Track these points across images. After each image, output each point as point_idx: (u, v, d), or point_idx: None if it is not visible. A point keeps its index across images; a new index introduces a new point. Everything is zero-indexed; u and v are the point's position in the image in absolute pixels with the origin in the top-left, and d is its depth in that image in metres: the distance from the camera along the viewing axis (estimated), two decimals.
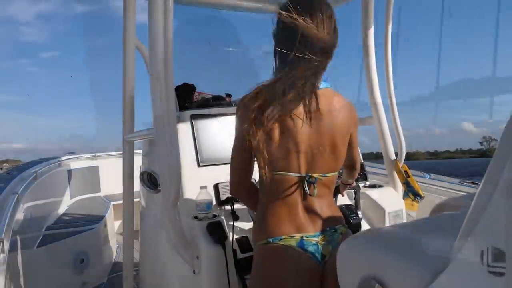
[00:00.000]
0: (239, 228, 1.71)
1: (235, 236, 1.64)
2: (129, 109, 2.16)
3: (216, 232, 1.51)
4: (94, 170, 4.79)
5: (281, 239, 1.18)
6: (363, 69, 2.25)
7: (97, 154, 4.97)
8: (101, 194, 4.74)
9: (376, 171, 3.04)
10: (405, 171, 2.19)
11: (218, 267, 1.47)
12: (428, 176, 2.93)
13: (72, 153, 4.93)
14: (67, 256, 3.03)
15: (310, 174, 1.21)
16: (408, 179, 2.17)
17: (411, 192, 2.14)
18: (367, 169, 2.36)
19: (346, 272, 0.82)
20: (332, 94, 1.23)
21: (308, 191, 1.21)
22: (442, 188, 2.74)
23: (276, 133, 1.18)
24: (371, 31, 2.10)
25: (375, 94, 2.21)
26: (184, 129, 1.79)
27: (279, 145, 1.18)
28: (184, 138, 1.78)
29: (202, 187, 1.62)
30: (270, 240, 1.19)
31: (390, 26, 2.09)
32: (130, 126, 2.17)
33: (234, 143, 1.28)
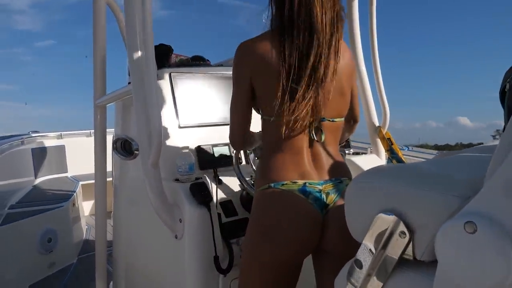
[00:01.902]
0: (223, 192, 1.62)
1: (219, 201, 1.55)
2: (100, 71, 2.00)
3: (200, 193, 1.41)
4: (60, 149, 4.53)
5: (283, 184, 1.12)
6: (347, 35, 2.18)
7: (63, 132, 4.71)
8: (68, 174, 4.51)
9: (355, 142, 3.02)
10: (389, 138, 2.16)
11: (203, 230, 1.38)
12: (407, 148, 2.94)
13: (36, 131, 4.64)
14: (33, 235, 2.85)
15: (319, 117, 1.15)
16: (392, 146, 2.14)
17: (395, 159, 2.11)
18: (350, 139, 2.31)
19: (355, 209, 0.75)
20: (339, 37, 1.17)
21: (315, 137, 1.15)
22: (422, 159, 2.75)
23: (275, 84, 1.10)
24: None
25: (358, 59, 2.14)
26: (163, 88, 1.66)
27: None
28: (163, 98, 1.65)
29: (182, 147, 1.52)
30: (272, 185, 1.13)
31: None
32: (101, 89, 2.01)
33: (234, 93, 1.21)
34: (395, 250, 0.68)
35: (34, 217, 2.88)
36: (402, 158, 2.14)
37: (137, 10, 1.35)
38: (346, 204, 0.77)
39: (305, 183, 1.13)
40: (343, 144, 1.62)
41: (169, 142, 1.60)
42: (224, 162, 1.67)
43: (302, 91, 1.10)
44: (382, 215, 0.68)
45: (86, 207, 4.41)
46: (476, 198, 0.55)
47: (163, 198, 1.40)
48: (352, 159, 2.09)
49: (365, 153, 2.22)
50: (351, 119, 1.44)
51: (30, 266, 2.79)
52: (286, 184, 1.12)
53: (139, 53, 1.38)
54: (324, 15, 1.10)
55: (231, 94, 1.22)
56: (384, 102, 2.17)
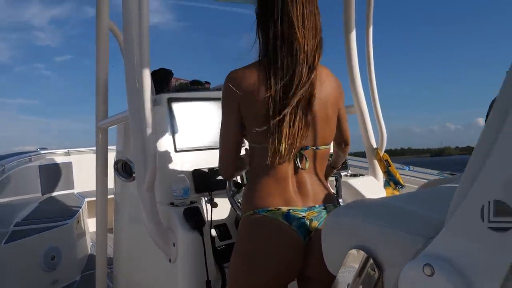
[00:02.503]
0: (218, 216, 1.64)
1: (214, 224, 1.58)
2: (102, 95, 2.07)
3: (193, 218, 1.44)
4: (68, 166, 4.60)
5: (268, 210, 1.15)
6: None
7: (70, 149, 4.79)
8: (75, 191, 4.57)
9: (356, 163, 3.03)
10: (386, 160, 2.17)
11: (195, 254, 1.40)
12: (408, 168, 2.94)
13: (44, 148, 4.73)
14: (37, 253, 2.89)
15: (303, 146, 1.19)
16: (389, 168, 2.15)
17: (392, 181, 2.12)
18: (348, 161, 2.33)
19: (331, 243, 0.77)
20: (320, 66, 1.21)
21: (299, 164, 1.18)
22: (422, 180, 2.74)
23: (262, 109, 1.14)
24: (353, 14, 2.06)
25: (356, 82, 2.17)
26: (160, 113, 1.70)
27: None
28: (161, 122, 1.70)
29: (178, 171, 1.55)
30: (257, 211, 1.16)
31: (372, 9, 2.06)
32: (103, 112, 2.07)
33: (224, 122, 1.23)
34: (366, 286, 0.69)
35: (38, 235, 2.92)
36: (400, 179, 2.15)
37: (135, 37, 1.41)
38: (322, 237, 0.80)
39: (289, 209, 1.15)
40: (339, 167, 1.64)
41: (165, 166, 1.64)
42: (219, 185, 1.69)
43: (287, 120, 1.13)
44: (353, 251, 0.70)
45: (91, 223, 4.44)
46: (436, 239, 0.57)
47: (157, 222, 1.43)
48: (349, 181, 2.10)
49: (362, 175, 2.23)
50: (342, 143, 1.47)
51: (33, 283, 2.82)
52: (270, 210, 1.15)
53: (136, 80, 1.43)
54: (306, 46, 1.13)
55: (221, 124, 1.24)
56: (381, 125, 2.19)
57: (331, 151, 1.50)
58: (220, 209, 1.66)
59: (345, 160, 2.22)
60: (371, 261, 0.68)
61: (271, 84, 1.13)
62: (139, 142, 1.41)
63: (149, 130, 1.38)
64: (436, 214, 0.69)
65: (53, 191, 4.34)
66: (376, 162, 2.20)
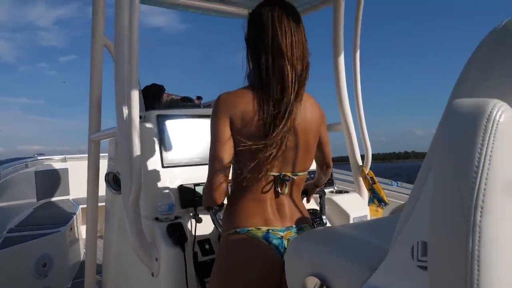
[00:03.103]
0: (202, 231, 1.69)
1: (197, 239, 1.62)
2: (95, 108, 2.12)
3: (176, 234, 1.48)
4: (64, 172, 4.66)
5: (248, 230, 1.20)
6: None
7: (67, 156, 4.84)
8: (70, 197, 4.61)
9: (343, 177, 3.07)
10: (371, 178, 2.22)
11: (177, 270, 1.45)
12: (396, 184, 2.98)
13: (41, 154, 4.78)
14: (29, 260, 2.92)
15: (283, 173, 1.24)
16: (374, 185, 2.20)
17: (376, 198, 2.17)
18: (335, 175, 2.38)
19: (292, 270, 0.82)
20: (306, 95, 1.27)
21: (279, 189, 1.25)
22: (408, 195, 2.79)
23: (255, 132, 1.19)
24: (341, 35, 2.13)
25: (343, 100, 2.24)
26: (149, 129, 1.76)
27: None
28: (149, 138, 1.75)
29: (164, 187, 1.60)
30: (238, 230, 1.21)
31: (359, 27, 2.12)
32: (96, 125, 2.13)
33: (216, 143, 1.21)
34: None
35: (30, 242, 2.96)
36: (384, 197, 2.20)
37: (125, 54, 1.46)
38: (285, 262, 0.85)
39: (268, 229, 1.21)
40: (322, 185, 1.69)
41: (152, 181, 1.69)
42: None
43: (271, 146, 1.18)
44: (310, 277, 0.75)
45: (81, 230, 4.49)
46: (375, 273, 0.62)
47: (141, 236, 1.48)
48: (333, 198, 2.15)
49: (348, 192, 2.28)
50: (324, 165, 1.52)
51: None
52: (250, 230, 1.20)
53: (125, 97, 1.48)
54: (294, 73, 1.19)
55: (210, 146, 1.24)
56: (366, 143, 2.24)
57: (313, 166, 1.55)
58: (204, 225, 1.70)
59: (331, 176, 2.27)
60: None
61: (263, 110, 1.18)
62: (126, 158, 1.47)
63: (135, 147, 1.44)
64: (386, 244, 0.74)
65: (48, 197, 4.39)
66: (361, 179, 2.26)
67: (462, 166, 0.44)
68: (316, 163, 1.54)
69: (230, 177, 1.33)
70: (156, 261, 1.48)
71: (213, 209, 1.52)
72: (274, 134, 1.16)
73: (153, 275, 1.50)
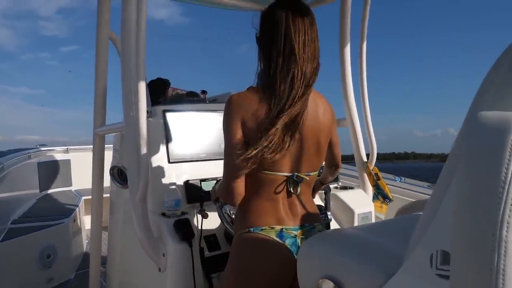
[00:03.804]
0: (208, 226, 1.70)
1: (204, 234, 1.63)
2: (100, 102, 2.12)
3: (182, 229, 1.49)
4: (66, 164, 4.66)
5: (262, 229, 1.20)
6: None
7: (69, 147, 4.84)
8: (72, 188, 4.62)
9: (347, 172, 3.08)
10: (376, 174, 2.23)
11: (184, 265, 1.45)
12: (399, 180, 2.99)
13: (43, 145, 4.78)
14: (33, 251, 2.94)
15: (296, 174, 1.24)
16: (378, 181, 2.20)
17: (380, 195, 2.17)
18: (340, 170, 2.38)
19: (305, 271, 0.82)
20: (314, 94, 1.26)
21: (292, 189, 1.25)
22: (412, 192, 2.79)
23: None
24: (347, 30, 2.11)
25: (349, 96, 2.23)
26: (155, 125, 1.76)
27: None
28: (155, 134, 1.75)
29: (170, 182, 1.60)
30: (251, 229, 1.21)
31: (366, 24, 2.10)
32: (101, 119, 2.12)
33: (230, 142, 1.20)
34: None
35: (34, 233, 2.97)
36: (388, 193, 2.20)
37: (132, 49, 1.45)
38: (297, 266, 0.85)
39: (282, 228, 1.21)
40: (328, 183, 1.69)
41: (158, 176, 1.69)
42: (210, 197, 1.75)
43: (282, 145, 1.18)
44: (324, 280, 0.76)
45: (88, 221, 4.49)
46: (392, 279, 0.62)
47: (148, 231, 1.49)
48: (337, 194, 2.16)
49: (352, 188, 2.28)
50: (333, 166, 1.52)
51: (28, 281, 2.88)
52: (264, 229, 1.20)
53: (132, 92, 1.47)
54: (304, 71, 1.19)
55: (224, 143, 1.23)
56: (372, 140, 2.24)
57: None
58: (210, 220, 1.71)
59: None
60: None
61: (271, 107, 1.17)
62: (133, 154, 1.46)
63: (143, 143, 1.43)
64: (401, 248, 0.74)
65: (51, 188, 4.40)
66: (366, 175, 2.26)
67: (488, 180, 0.43)
68: (325, 163, 1.54)
69: None
70: (163, 256, 1.49)
71: (219, 201, 1.53)
72: (269, 133, 1.15)
73: (160, 270, 1.51)
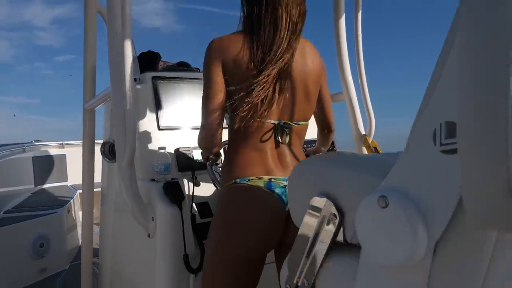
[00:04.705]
0: (201, 194, 1.63)
1: (196, 201, 1.56)
2: (89, 78, 2.06)
3: (172, 192, 1.42)
4: (61, 159, 4.59)
5: (249, 179, 1.14)
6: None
7: (64, 142, 4.77)
8: (68, 183, 4.55)
9: (346, 144, 3.01)
10: (375, 147, 2.16)
11: (174, 229, 1.38)
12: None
13: (38, 140, 4.72)
14: (25, 240, 2.87)
15: (283, 121, 1.19)
16: None
17: None
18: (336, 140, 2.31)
19: (295, 193, 0.76)
20: (304, 40, 1.22)
21: (280, 138, 1.19)
22: None
23: (247, 76, 1.14)
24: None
25: (345, 69, 2.16)
26: (144, 91, 1.69)
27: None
28: (144, 100, 1.69)
29: (160, 148, 1.54)
30: (238, 180, 1.15)
31: None
32: (91, 93, 2.06)
33: (209, 88, 1.18)
34: (327, 233, 0.68)
35: (27, 222, 2.90)
36: None
37: (117, 15, 1.40)
38: (288, 190, 0.78)
39: (270, 178, 1.15)
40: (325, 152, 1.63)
41: (147, 143, 1.63)
42: (202, 165, 1.68)
43: (268, 90, 1.13)
44: (316, 198, 0.69)
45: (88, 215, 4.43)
46: (391, 172, 0.56)
47: (137, 197, 1.42)
48: None
49: None
50: (325, 128, 1.45)
51: (21, 270, 2.81)
52: (252, 179, 1.14)
53: (118, 55, 1.42)
54: (289, 14, 1.14)
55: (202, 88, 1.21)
56: (369, 111, 2.17)
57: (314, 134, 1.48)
58: (202, 188, 1.64)
59: (333, 145, 2.21)
60: (332, 207, 0.66)
61: (253, 51, 1.14)
62: (120, 117, 1.40)
63: (129, 105, 1.37)
64: (392, 157, 0.68)
65: (46, 182, 4.33)
66: (364, 149, 2.19)
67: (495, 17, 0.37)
68: (317, 126, 1.48)
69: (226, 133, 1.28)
70: (153, 220, 1.42)
71: (210, 160, 1.46)
72: (261, 77, 1.11)
73: (149, 236, 1.44)
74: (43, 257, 2.96)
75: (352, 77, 2.20)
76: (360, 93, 2.24)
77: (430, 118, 0.50)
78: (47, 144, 4.65)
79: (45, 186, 4.30)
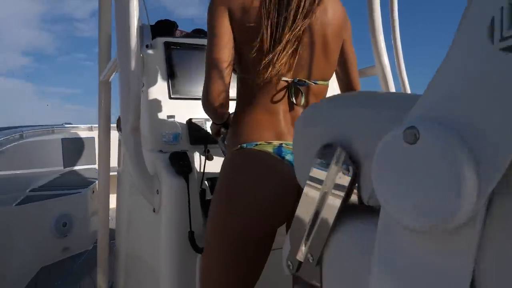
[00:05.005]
0: (213, 169, 1.50)
1: (207, 176, 1.43)
2: (105, 50, 1.97)
3: (178, 162, 1.30)
4: (90, 141, 4.62)
5: (257, 144, 0.99)
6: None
7: (93, 125, 4.81)
8: (96, 166, 4.58)
9: None
10: None
11: (180, 202, 1.26)
12: None
13: (69, 123, 4.78)
14: (49, 218, 2.87)
15: (298, 78, 1.03)
16: None
17: None
18: None
19: (302, 148, 0.60)
20: None
21: (294, 100, 1.03)
22: None
23: (258, 25, 0.99)
24: None
25: (378, 39, 1.95)
26: (155, 57, 1.58)
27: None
28: (155, 67, 1.57)
29: (170, 117, 1.42)
30: (244, 145, 1.00)
31: None
32: (105, 65, 1.97)
33: (211, 41, 1.02)
34: (338, 194, 0.52)
35: (50, 200, 2.90)
36: None
37: None
38: (294, 136, 0.62)
39: (281, 143, 1.00)
40: None
41: (157, 112, 1.51)
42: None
43: (281, 44, 0.97)
44: (324, 148, 0.53)
45: (111, 199, 4.45)
46: (423, 95, 0.39)
47: (142, 167, 1.30)
48: None
49: None
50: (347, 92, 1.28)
51: (44, 248, 2.81)
52: (260, 144, 0.99)
53: (125, 18, 1.30)
54: None
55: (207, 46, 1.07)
56: (405, 85, 1.97)
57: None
58: (215, 163, 1.51)
59: None
60: (345, 157, 0.50)
61: (266, 2, 0.98)
62: (124, 81, 1.29)
63: (134, 68, 1.26)
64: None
65: (75, 164, 4.37)
66: None
67: None
68: (340, 91, 1.31)
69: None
70: (158, 194, 1.30)
71: (222, 133, 1.33)
72: (284, 32, 0.97)
73: (154, 211, 1.32)
74: (66, 236, 2.96)
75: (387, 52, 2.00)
76: (395, 67, 2.04)
77: (486, 2, 0.32)
78: (77, 127, 4.70)
79: (74, 168, 4.34)
